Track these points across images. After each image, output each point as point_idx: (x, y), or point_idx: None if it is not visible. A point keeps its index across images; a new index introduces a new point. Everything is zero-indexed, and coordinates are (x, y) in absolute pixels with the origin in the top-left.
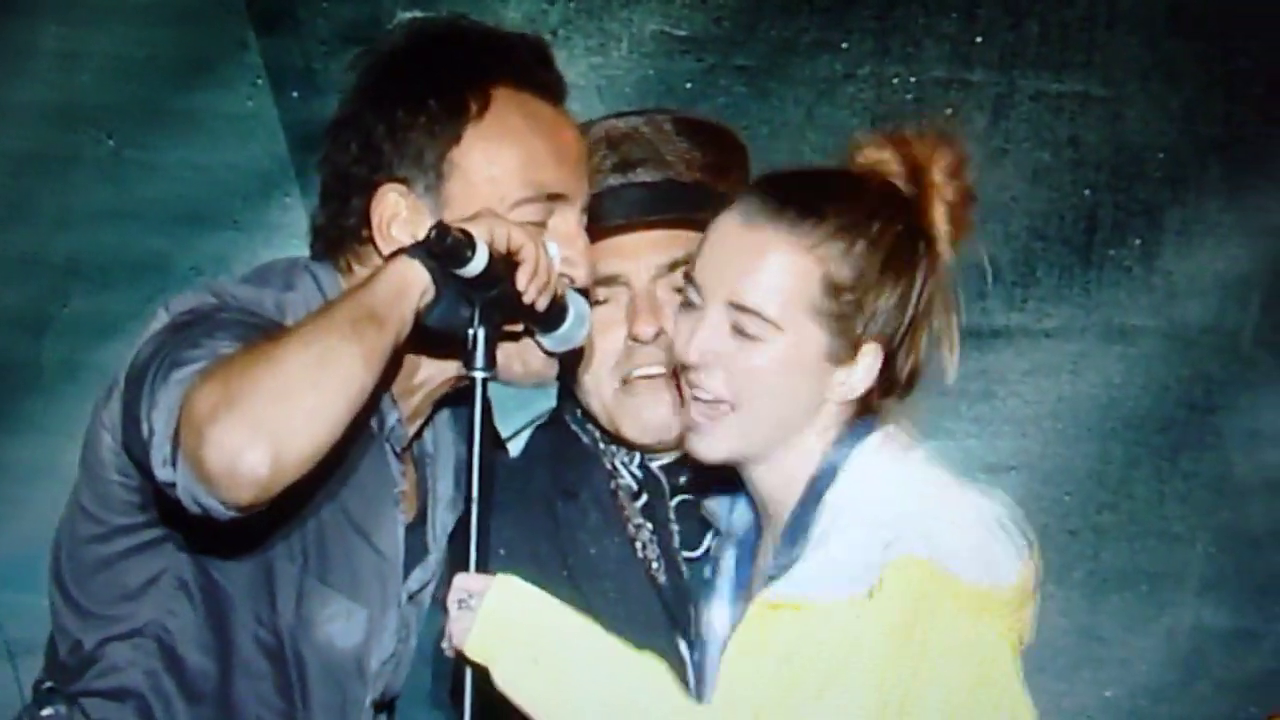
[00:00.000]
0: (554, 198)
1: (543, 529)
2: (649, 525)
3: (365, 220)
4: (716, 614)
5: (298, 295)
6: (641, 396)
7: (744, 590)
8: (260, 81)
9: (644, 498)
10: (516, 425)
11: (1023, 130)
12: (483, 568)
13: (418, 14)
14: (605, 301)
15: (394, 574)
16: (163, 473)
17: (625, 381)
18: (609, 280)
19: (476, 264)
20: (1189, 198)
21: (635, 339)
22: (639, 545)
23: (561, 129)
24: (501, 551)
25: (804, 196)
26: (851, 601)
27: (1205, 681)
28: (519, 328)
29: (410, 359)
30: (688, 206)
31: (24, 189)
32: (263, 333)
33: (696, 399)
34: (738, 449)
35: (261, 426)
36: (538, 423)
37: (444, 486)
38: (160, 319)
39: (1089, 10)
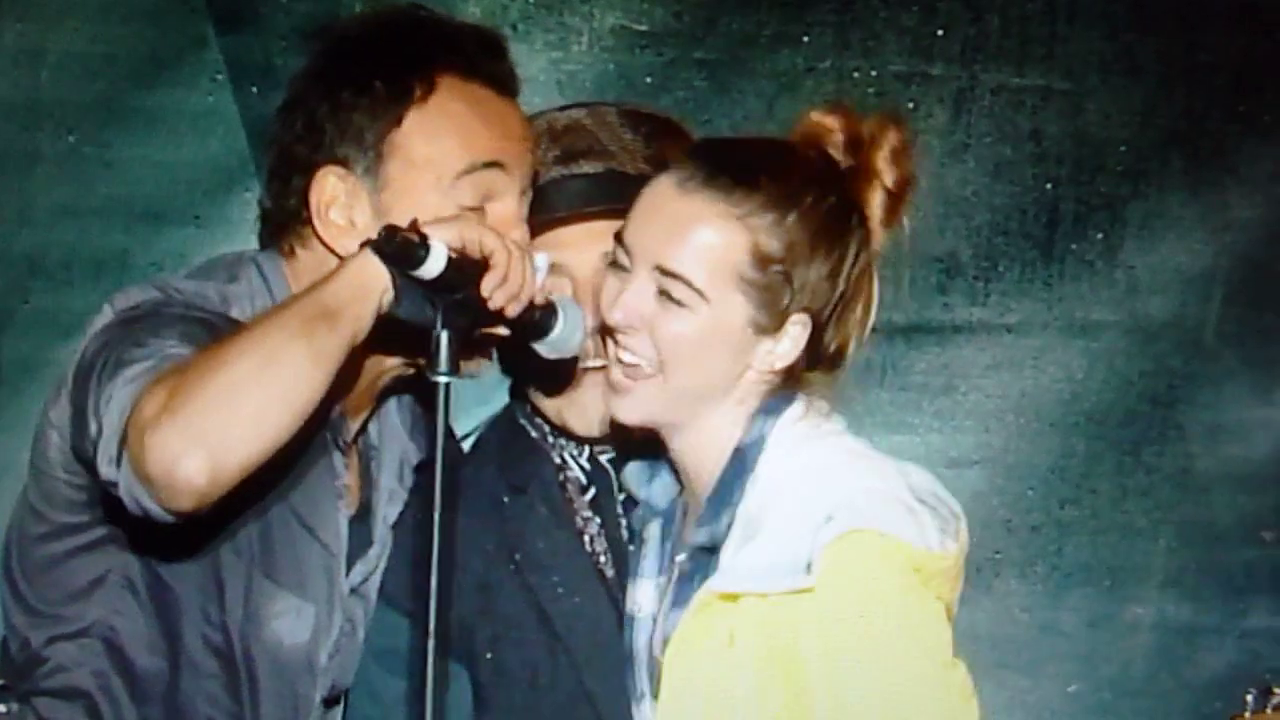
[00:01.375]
0: (491, 165)
1: (490, 524)
2: (597, 518)
3: (306, 202)
4: (642, 590)
5: (241, 286)
6: (587, 390)
7: (668, 564)
8: (220, 77)
9: (592, 491)
10: (477, 420)
11: (984, 124)
12: (445, 568)
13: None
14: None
15: (338, 568)
16: (107, 471)
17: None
18: (551, 270)
19: (432, 266)
20: (1151, 192)
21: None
22: (587, 538)
23: (506, 114)
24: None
25: (739, 165)
26: (797, 587)
27: (1168, 676)
28: (503, 331)
29: (353, 352)
30: (630, 198)
31: None
32: (208, 327)
33: (619, 360)
34: (657, 413)
35: (200, 434)
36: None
37: (386, 479)
38: (105, 315)
39: (1050, 4)
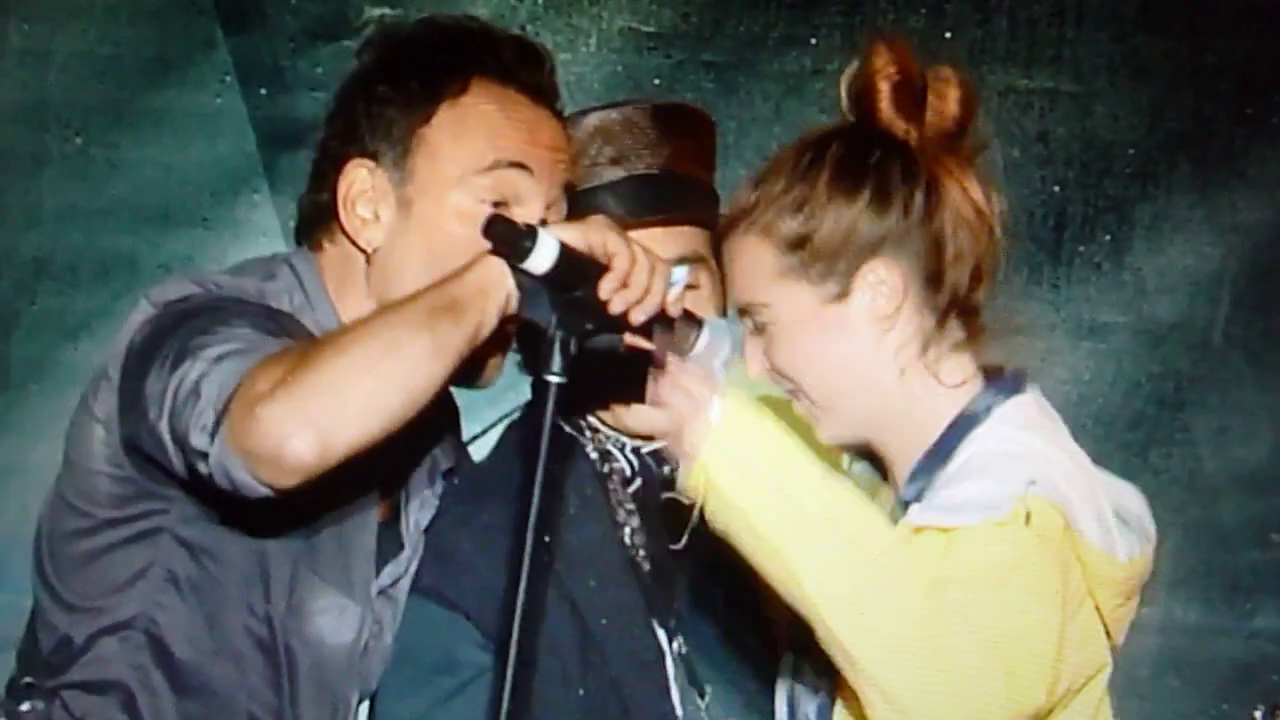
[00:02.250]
0: (514, 166)
1: (522, 518)
2: (639, 513)
3: (335, 195)
4: None
5: (279, 284)
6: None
7: None
8: (228, 79)
9: (637, 482)
10: (487, 421)
11: (991, 126)
12: (535, 585)
13: (386, 11)
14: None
15: (369, 567)
16: (199, 439)
17: None
18: None
19: (539, 259)
20: (1158, 194)
21: None
22: (627, 532)
23: (538, 121)
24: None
25: (746, 190)
26: (989, 524)
27: (1175, 678)
28: (645, 344)
29: None
30: (691, 202)
31: None
32: (269, 315)
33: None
34: (845, 428)
35: (315, 413)
36: (508, 420)
37: (417, 483)
38: (144, 309)
39: (1058, 6)
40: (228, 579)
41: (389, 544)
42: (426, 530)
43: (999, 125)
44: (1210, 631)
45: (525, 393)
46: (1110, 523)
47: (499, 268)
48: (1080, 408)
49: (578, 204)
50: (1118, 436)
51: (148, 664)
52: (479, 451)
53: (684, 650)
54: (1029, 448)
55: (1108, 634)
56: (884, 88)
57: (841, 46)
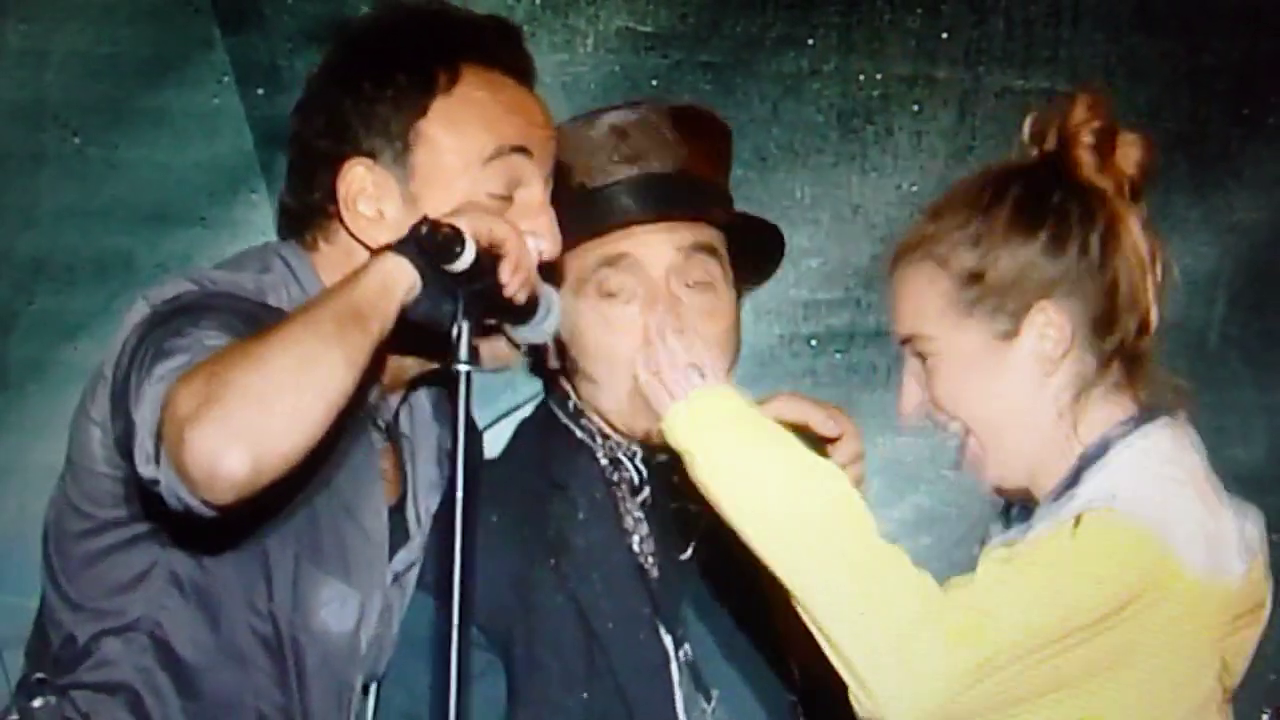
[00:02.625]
0: (517, 150)
1: (530, 520)
2: (646, 521)
3: (331, 195)
4: None
5: (274, 276)
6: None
7: None
8: (226, 79)
9: (645, 491)
10: (501, 409)
11: (988, 127)
12: (468, 558)
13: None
14: (614, 295)
15: (380, 555)
16: (146, 469)
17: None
18: (612, 261)
19: (465, 259)
20: (1155, 194)
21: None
22: (636, 539)
23: (527, 102)
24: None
25: (923, 221)
26: (1052, 535)
27: None
28: (493, 321)
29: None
30: (704, 201)
31: None
32: (244, 316)
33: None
34: (1009, 471)
35: (241, 430)
36: (518, 413)
37: (425, 468)
38: (140, 310)
39: (1054, 6)
40: (229, 579)
41: (399, 530)
42: (435, 518)
43: (996, 126)
44: None
45: (527, 387)
46: (1220, 545)
47: (403, 265)
48: None
49: (593, 201)
50: None
51: (153, 666)
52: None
53: (690, 656)
54: (1139, 476)
55: (1222, 662)
56: (1087, 139)
57: (839, 47)
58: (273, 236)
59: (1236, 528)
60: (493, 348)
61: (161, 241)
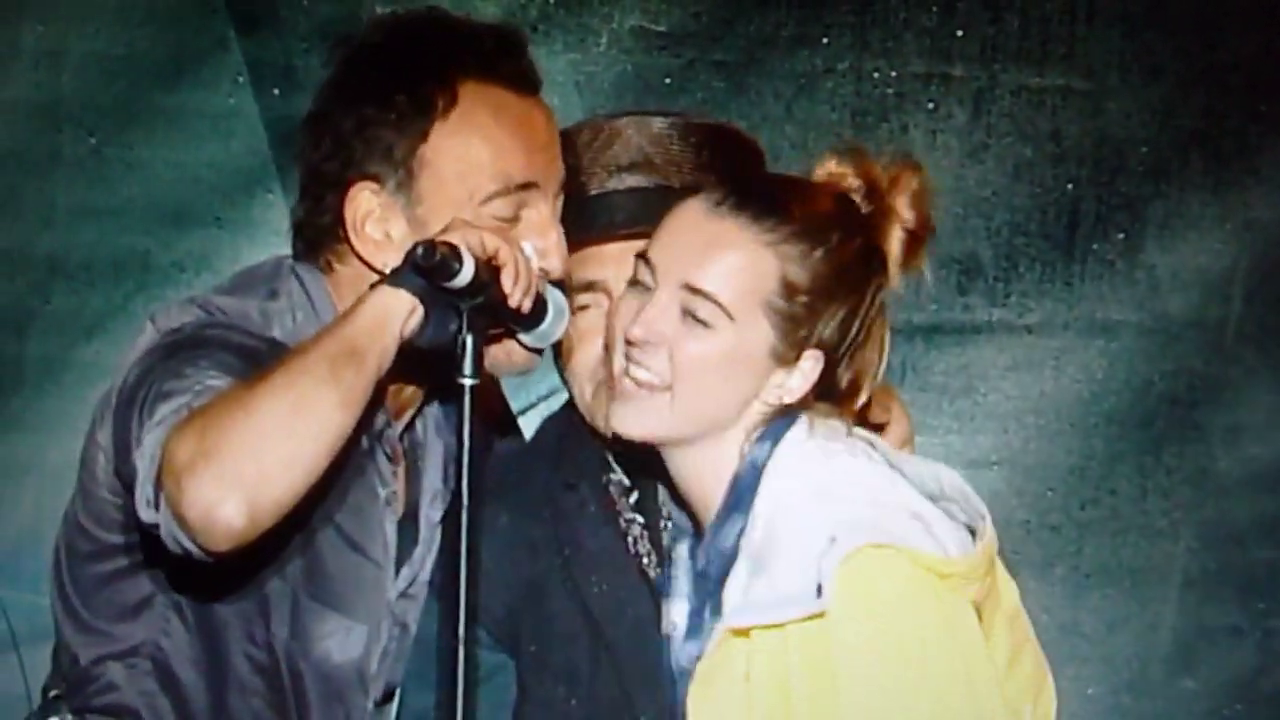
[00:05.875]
0: (524, 187)
1: (541, 518)
2: (640, 520)
3: (340, 218)
4: (676, 609)
5: (282, 303)
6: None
7: (693, 586)
8: (241, 79)
9: (635, 494)
10: (519, 406)
11: (1004, 125)
12: (473, 571)
13: (397, 10)
14: (587, 308)
15: (388, 579)
16: (146, 514)
17: (604, 386)
18: (589, 286)
19: (465, 274)
20: (1171, 191)
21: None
22: (630, 539)
23: (531, 119)
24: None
25: (770, 195)
26: (810, 612)
27: (1189, 678)
28: (501, 329)
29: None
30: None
31: (6, 187)
32: (246, 355)
33: (632, 376)
34: (661, 430)
35: (236, 480)
36: (541, 406)
37: (430, 479)
38: (148, 334)
39: (1069, 4)
40: (228, 611)
41: (406, 544)
42: (442, 521)
43: (1011, 124)
44: (1224, 631)
45: (542, 385)
46: (930, 518)
47: (399, 296)
48: (1093, 406)
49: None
50: (1130, 435)
51: (155, 690)
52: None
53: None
54: (813, 490)
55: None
56: (900, 237)
57: (853, 46)
58: (287, 236)
59: (928, 498)
60: (509, 353)
61: (177, 241)
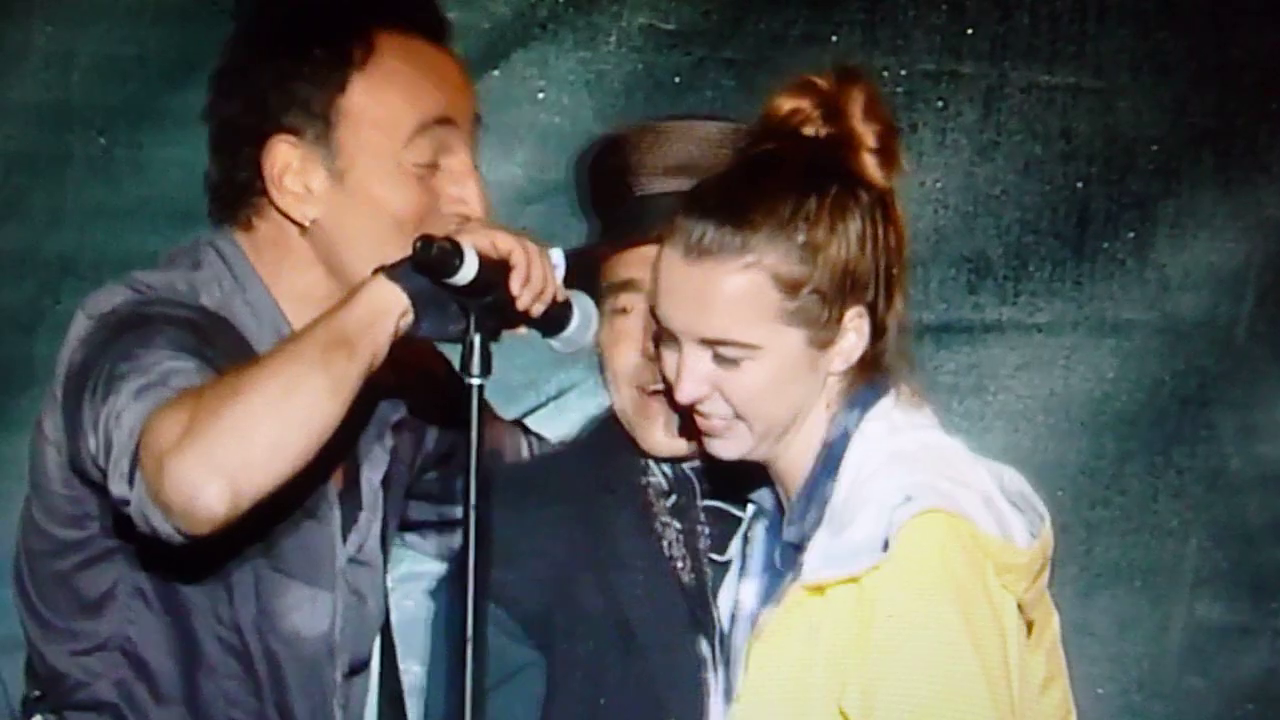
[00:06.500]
0: (441, 122)
1: (578, 517)
2: (676, 524)
3: (258, 173)
4: (746, 588)
5: (206, 272)
6: (655, 413)
7: (770, 564)
8: None
9: (674, 497)
10: (527, 406)
11: (1014, 123)
12: (481, 572)
13: None
14: (626, 311)
15: (336, 543)
16: (118, 488)
17: (641, 392)
18: (628, 285)
19: (466, 272)
20: (1182, 190)
21: (648, 356)
22: (665, 543)
23: (445, 63)
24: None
25: (730, 209)
26: (874, 564)
27: (1200, 678)
28: (522, 332)
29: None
30: None
31: (16, 188)
32: (192, 329)
33: (705, 420)
34: (755, 449)
35: (220, 463)
36: (550, 405)
37: (366, 444)
38: (80, 322)
39: (1080, 1)
40: (190, 591)
41: (349, 511)
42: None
43: (1021, 122)
44: (1235, 631)
45: (551, 385)
46: (1000, 507)
47: (393, 291)
48: (1103, 405)
49: (635, 209)
50: (1141, 435)
51: (129, 679)
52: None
53: (726, 661)
54: (896, 454)
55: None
56: (869, 145)
57: (862, 44)
58: None
59: (998, 489)
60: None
61: (186, 240)
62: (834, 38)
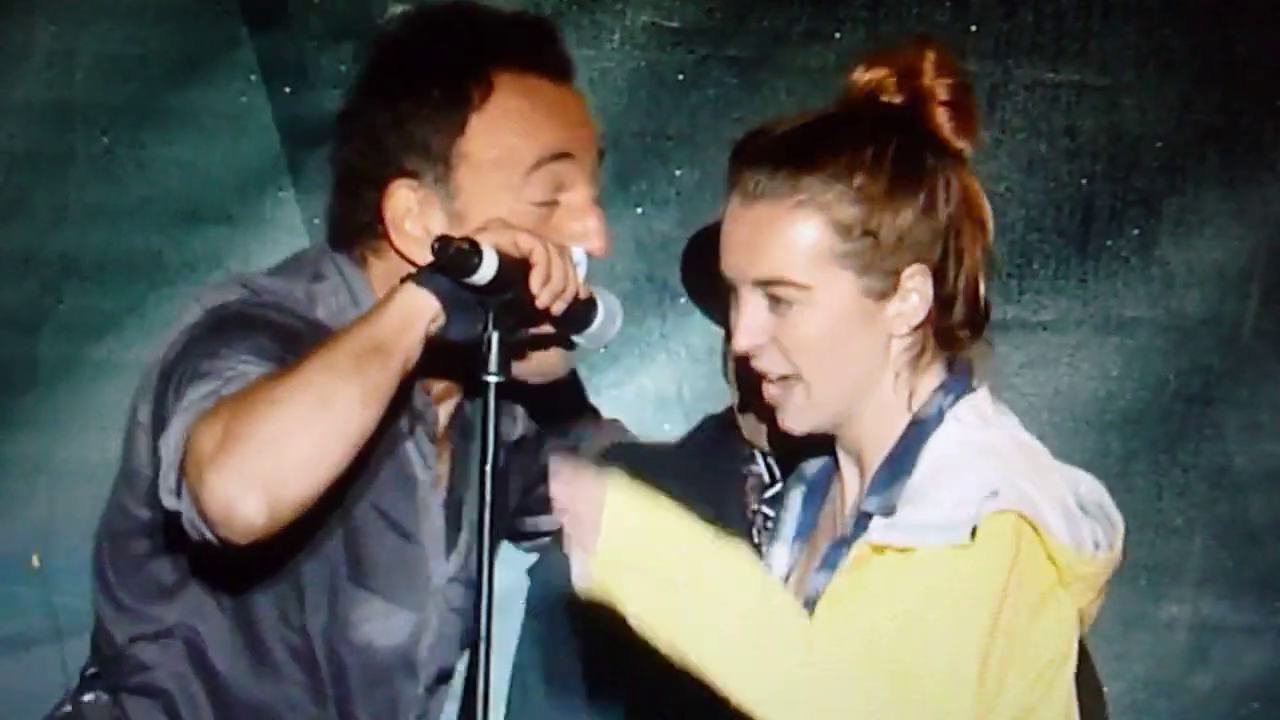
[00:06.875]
0: (560, 158)
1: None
2: (766, 511)
3: (378, 215)
4: (777, 552)
5: (327, 285)
6: (758, 404)
7: (807, 531)
8: (253, 77)
9: (776, 488)
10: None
11: (1018, 120)
12: (489, 573)
13: (408, 8)
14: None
15: (435, 562)
16: (169, 500)
17: (749, 389)
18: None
19: (486, 271)
20: (1186, 187)
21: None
22: (754, 530)
23: (565, 100)
24: None
25: (789, 152)
26: (951, 547)
27: (1204, 676)
28: (548, 329)
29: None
30: None
31: (19, 187)
32: (285, 338)
33: (767, 380)
34: (823, 416)
35: (256, 475)
36: None
37: (473, 468)
38: (193, 311)
39: None
40: (261, 595)
41: (452, 528)
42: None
43: (1025, 119)
44: (1240, 629)
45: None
46: (1076, 515)
47: (424, 296)
48: (1108, 403)
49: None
50: (1146, 433)
51: (188, 673)
52: None
53: None
54: (988, 448)
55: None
56: (944, 96)
57: (865, 42)
58: (299, 234)
59: (1074, 496)
60: (541, 360)
61: (190, 240)
62: (837, 35)
